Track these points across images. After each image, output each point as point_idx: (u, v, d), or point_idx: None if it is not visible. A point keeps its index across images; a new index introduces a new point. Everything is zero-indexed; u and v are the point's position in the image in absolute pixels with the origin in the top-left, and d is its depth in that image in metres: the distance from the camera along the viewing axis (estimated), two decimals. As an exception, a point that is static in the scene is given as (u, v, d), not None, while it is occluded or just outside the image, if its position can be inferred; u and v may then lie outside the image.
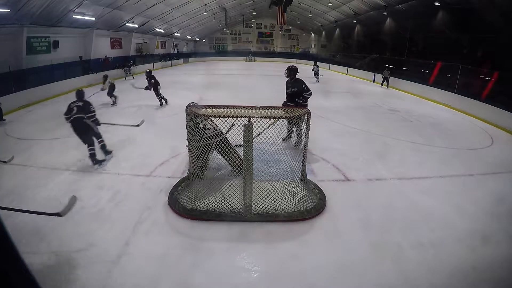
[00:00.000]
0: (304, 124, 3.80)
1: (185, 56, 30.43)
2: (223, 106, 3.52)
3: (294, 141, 5.13)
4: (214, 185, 3.72)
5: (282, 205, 3.35)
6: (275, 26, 33.54)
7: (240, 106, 3.61)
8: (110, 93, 9.39)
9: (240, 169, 3.41)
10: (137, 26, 18.30)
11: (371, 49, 20.26)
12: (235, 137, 3.28)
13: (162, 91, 9.34)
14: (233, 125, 3.31)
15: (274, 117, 3.43)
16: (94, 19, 13.86)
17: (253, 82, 16.07)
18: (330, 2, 20.72)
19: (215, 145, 3.74)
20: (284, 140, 4.86)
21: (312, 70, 15.92)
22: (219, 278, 2.53)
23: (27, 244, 2.79)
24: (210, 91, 11.89)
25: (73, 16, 12.34)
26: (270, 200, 3.37)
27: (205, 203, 3.37)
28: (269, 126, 3.42)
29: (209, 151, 3.81)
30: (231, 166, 4.01)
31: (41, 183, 4.10)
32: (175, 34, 26.09)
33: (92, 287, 2.42)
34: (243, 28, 34.82)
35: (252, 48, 35.33)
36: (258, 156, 3.47)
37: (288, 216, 3.27)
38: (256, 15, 32.69)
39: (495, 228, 3.27)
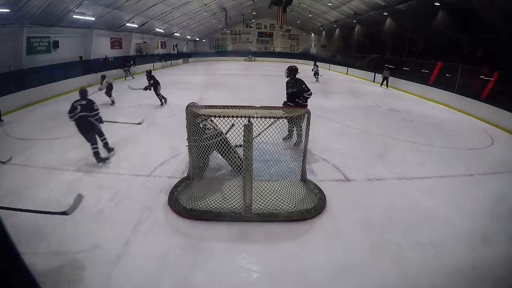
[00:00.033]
0: (304, 124, 3.80)
1: (185, 56, 30.42)
2: (223, 106, 3.52)
3: (294, 141, 5.13)
4: (214, 185, 3.72)
5: (282, 205, 3.35)
6: (275, 26, 33.53)
7: (240, 106, 3.61)
8: (108, 93, 9.40)
9: (240, 169, 3.41)
10: (137, 26, 18.30)
11: (371, 49, 20.26)
12: (235, 137, 3.28)
13: (162, 91, 9.35)
14: (233, 125, 3.31)
15: (274, 117, 3.43)
16: (94, 19, 13.86)
17: (253, 82, 16.07)
18: (330, 2, 20.72)
19: (215, 145, 3.74)
20: (284, 139, 4.86)
21: (312, 70, 15.94)
22: (219, 278, 2.53)
23: (27, 244, 2.79)
24: (210, 91, 11.89)
25: (73, 16, 12.35)
26: (270, 200, 3.37)
27: (205, 203, 3.37)
28: (269, 126, 3.42)
29: (209, 151, 3.81)
30: (231, 166, 4.01)
31: (41, 183, 4.10)
32: (175, 34, 26.09)
33: (93, 287, 2.42)
34: (243, 28, 34.81)
35: (252, 48, 35.32)
36: (258, 156, 3.47)
37: (288, 216, 3.27)
38: (256, 15, 32.69)
39: (495, 228, 3.27)
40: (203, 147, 3.68)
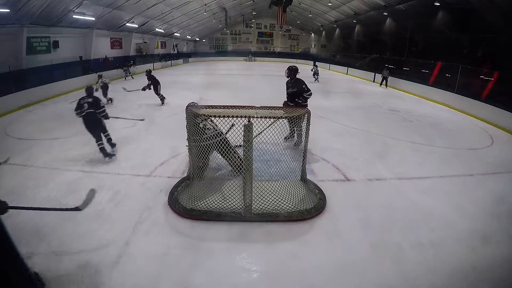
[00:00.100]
0: (304, 124, 3.80)
1: (185, 56, 30.42)
2: (223, 106, 3.52)
3: (294, 141, 5.13)
4: (214, 185, 3.72)
5: (282, 205, 3.35)
6: (275, 26, 33.53)
7: (240, 106, 3.61)
8: (104, 93, 9.42)
9: (240, 169, 3.41)
10: (137, 26, 18.30)
11: (371, 49, 20.26)
12: (235, 137, 3.28)
13: (162, 91, 9.36)
14: (233, 125, 3.31)
15: (274, 117, 3.43)
16: (94, 19, 13.85)
17: (253, 82, 16.07)
18: (330, 2, 20.72)
19: (215, 145, 3.74)
20: (286, 139, 4.86)
21: (311, 70, 15.95)
22: (219, 278, 2.53)
23: (27, 244, 2.79)
24: (210, 91, 11.89)
25: (73, 16, 12.34)
26: (270, 200, 3.37)
27: (205, 203, 3.37)
28: (269, 126, 3.42)
29: (209, 151, 3.81)
30: (231, 166, 4.01)
31: (41, 183, 4.09)
32: (175, 34, 26.08)
33: (93, 287, 2.42)
34: (243, 28, 34.81)
35: (252, 48, 35.32)
36: (258, 156, 3.47)
37: (288, 216, 3.27)
38: (256, 15, 32.69)
39: (495, 228, 3.27)
40: (203, 147, 3.68)
